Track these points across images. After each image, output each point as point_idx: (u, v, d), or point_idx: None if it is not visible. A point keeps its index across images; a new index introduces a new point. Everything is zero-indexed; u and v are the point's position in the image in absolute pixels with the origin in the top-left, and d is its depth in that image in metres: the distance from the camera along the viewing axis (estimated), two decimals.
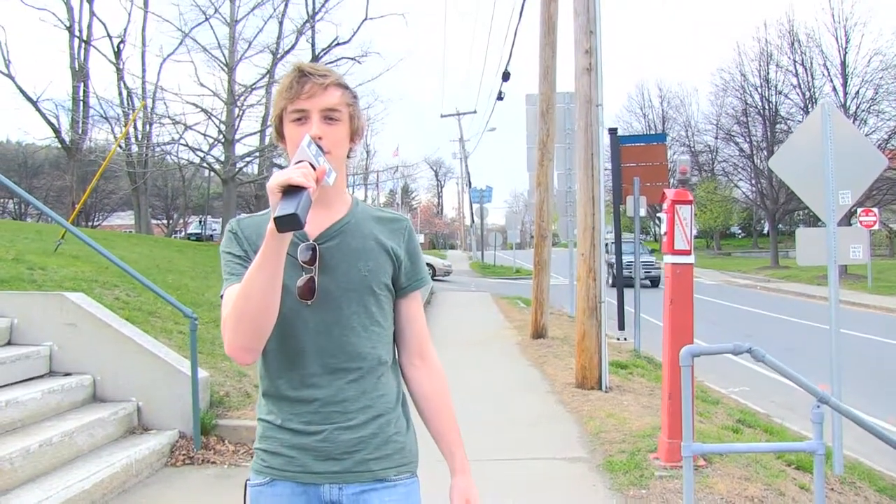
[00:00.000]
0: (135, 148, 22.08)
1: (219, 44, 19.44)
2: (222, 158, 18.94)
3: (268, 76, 19.16)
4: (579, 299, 6.46)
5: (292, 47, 20.40)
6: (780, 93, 29.99)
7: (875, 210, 19.90)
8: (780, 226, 34.87)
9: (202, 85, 27.01)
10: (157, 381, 4.53)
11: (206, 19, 19.12)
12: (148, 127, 22.01)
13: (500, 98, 17.23)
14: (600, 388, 6.23)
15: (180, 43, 20.11)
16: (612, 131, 9.61)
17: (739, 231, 53.23)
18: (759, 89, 30.93)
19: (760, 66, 30.80)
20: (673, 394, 3.91)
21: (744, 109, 31.68)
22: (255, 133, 20.43)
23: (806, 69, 28.10)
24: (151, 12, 22.51)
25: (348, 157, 1.44)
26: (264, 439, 1.42)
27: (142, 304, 6.16)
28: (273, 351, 1.38)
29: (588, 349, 6.32)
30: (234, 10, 19.27)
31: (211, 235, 33.56)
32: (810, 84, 28.06)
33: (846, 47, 26.40)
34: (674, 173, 14.82)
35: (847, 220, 16.65)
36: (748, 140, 31.99)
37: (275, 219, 1.15)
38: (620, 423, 5.03)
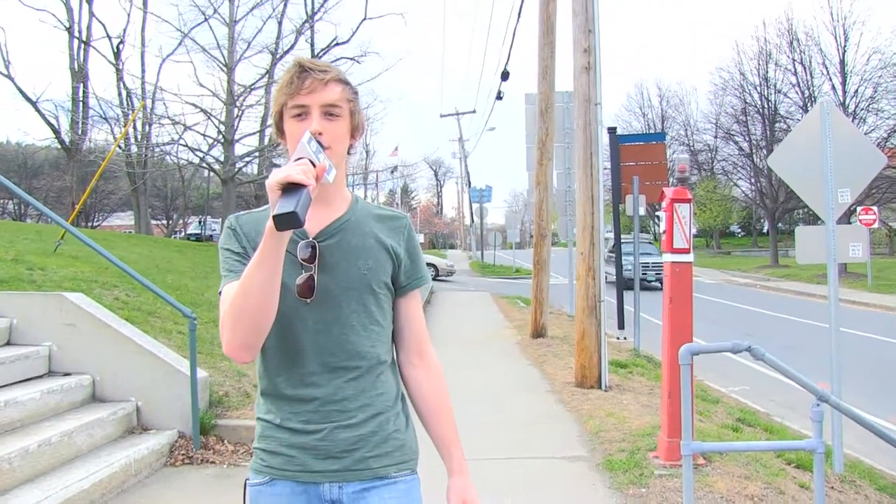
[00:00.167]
0: (134, 148, 22.05)
1: (218, 44, 19.43)
2: (222, 158, 18.89)
3: (267, 76, 19.11)
4: (579, 298, 6.47)
5: (291, 47, 20.37)
6: (780, 91, 29.99)
7: (874, 208, 19.88)
8: (780, 224, 34.84)
9: (201, 85, 27.21)
10: (156, 381, 4.53)
11: (206, 20, 19.10)
12: (147, 127, 21.97)
13: (499, 97, 17.27)
14: (600, 388, 6.24)
15: (179, 43, 20.10)
16: (612, 130, 9.61)
17: (739, 230, 53.18)
18: (759, 88, 30.94)
19: (759, 64, 30.83)
20: (672, 392, 3.91)
21: (743, 108, 31.67)
22: (254, 133, 20.40)
23: (805, 68, 28.11)
24: (150, 13, 22.58)
25: (349, 153, 1.43)
26: (263, 439, 1.41)
27: (141, 305, 6.15)
28: (272, 349, 1.37)
29: (588, 348, 6.32)
30: (233, 11, 19.23)
31: (210, 236, 33.51)
32: (809, 83, 28.07)
33: (845, 46, 26.41)
34: (673, 172, 14.81)
35: (846, 218, 16.66)
36: (747, 139, 31.98)
37: (274, 217, 1.13)
38: (620, 422, 5.03)
